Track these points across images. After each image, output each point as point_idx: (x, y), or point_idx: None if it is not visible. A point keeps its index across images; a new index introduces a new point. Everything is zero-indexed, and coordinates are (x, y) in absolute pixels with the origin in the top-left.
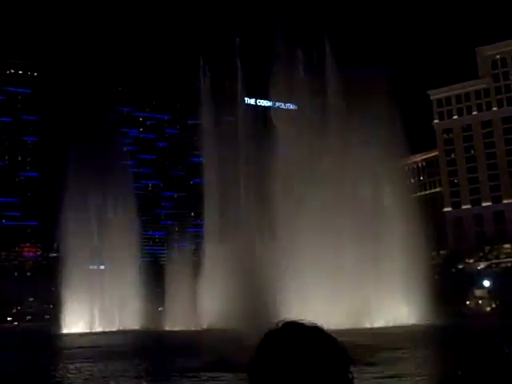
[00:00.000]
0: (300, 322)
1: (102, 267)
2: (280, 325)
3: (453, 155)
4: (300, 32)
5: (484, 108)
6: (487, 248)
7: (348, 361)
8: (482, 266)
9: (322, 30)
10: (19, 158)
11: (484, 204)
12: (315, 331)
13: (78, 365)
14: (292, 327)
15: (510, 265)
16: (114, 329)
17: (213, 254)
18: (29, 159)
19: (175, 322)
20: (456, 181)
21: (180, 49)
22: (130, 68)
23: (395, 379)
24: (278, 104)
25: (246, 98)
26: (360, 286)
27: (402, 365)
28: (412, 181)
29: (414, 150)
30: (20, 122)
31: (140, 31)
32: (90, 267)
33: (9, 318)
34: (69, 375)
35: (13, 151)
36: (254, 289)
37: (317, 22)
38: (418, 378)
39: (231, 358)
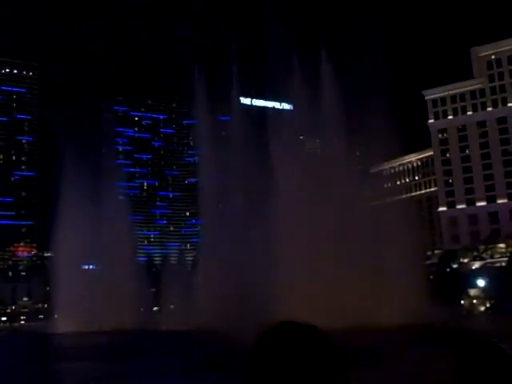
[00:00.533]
0: (296, 321)
1: (97, 267)
2: (276, 325)
3: (448, 155)
4: (296, 33)
5: (479, 108)
6: (482, 248)
7: (344, 361)
8: (476, 265)
9: (318, 31)
10: (14, 158)
11: (479, 204)
12: (311, 331)
13: (68, 365)
14: (288, 327)
15: (504, 264)
16: (108, 328)
17: (208, 253)
18: (24, 159)
19: (170, 321)
20: (451, 181)
21: (176, 49)
22: (126, 67)
23: (393, 378)
24: (273, 104)
25: (241, 98)
26: (356, 286)
27: (400, 364)
28: (407, 180)
29: (409, 150)
30: (15, 122)
31: (136, 31)
32: (85, 267)
33: (3, 318)
34: (60, 376)
35: (8, 151)
36: (249, 289)
37: (313, 23)
38: (416, 378)
39: (224, 357)
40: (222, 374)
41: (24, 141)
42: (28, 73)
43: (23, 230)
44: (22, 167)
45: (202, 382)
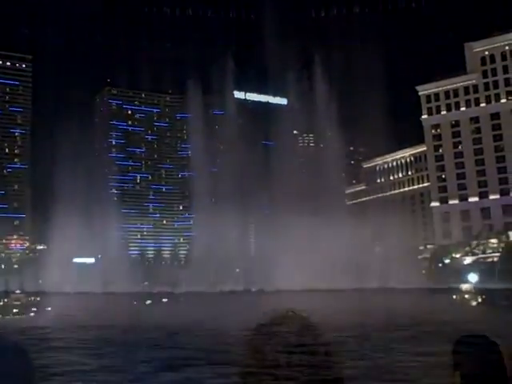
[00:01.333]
0: (289, 314)
1: (89, 260)
2: (270, 317)
3: (441, 150)
4: (292, 28)
5: (472, 104)
6: (474, 243)
7: (331, 350)
8: (468, 260)
9: (313, 26)
10: (7, 151)
11: (471, 199)
12: (303, 321)
13: (65, 358)
14: (282, 319)
15: (496, 260)
16: (102, 323)
17: (201, 247)
18: (17, 151)
19: (164, 316)
20: (443, 176)
21: (170, 42)
22: (119, 60)
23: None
24: (267, 98)
25: (235, 92)
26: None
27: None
28: (400, 176)
29: (403, 145)
30: (8, 114)
31: (130, 24)
32: (78, 260)
33: None
34: (59, 368)
35: (0, 143)
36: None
37: (308, 18)
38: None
39: (215, 351)
40: (208, 367)
41: (17, 133)
42: (21, 65)
43: (16, 222)
44: (15, 160)
45: (189, 375)
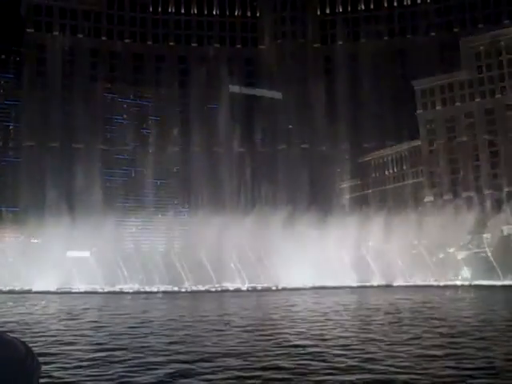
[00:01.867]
0: None
1: (84, 254)
2: None
3: (435, 145)
4: (289, 22)
5: (467, 99)
6: (468, 238)
7: None
8: (462, 255)
9: (309, 18)
10: (1, 144)
11: (465, 194)
12: None
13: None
14: None
15: (489, 255)
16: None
17: (196, 241)
18: (11, 145)
19: (158, 310)
20: (438, 171)
21: (164, 36)
22: (114, 53)
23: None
24: (262, 92)
25: (229, 86)
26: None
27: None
28: (395, 170)
29: (398, 140)
30: (1, 107)
31: (125, 18)
32: (72, 254)
33: None
34: (58, 366)
35: None
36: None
37: (305, 14)
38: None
39: (210, 349)
40: (203, 363)
41: (11, 127)
42: (15, 58)
43: (9, 215)
44: (9, 153)
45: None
